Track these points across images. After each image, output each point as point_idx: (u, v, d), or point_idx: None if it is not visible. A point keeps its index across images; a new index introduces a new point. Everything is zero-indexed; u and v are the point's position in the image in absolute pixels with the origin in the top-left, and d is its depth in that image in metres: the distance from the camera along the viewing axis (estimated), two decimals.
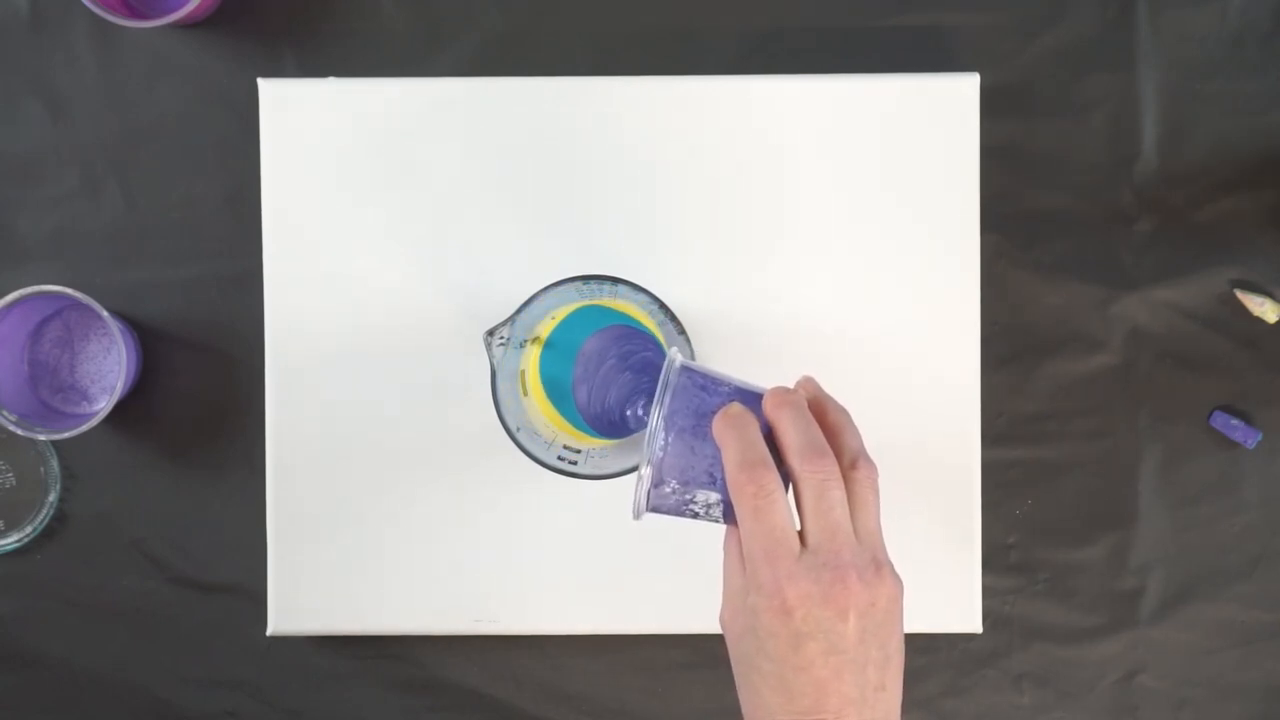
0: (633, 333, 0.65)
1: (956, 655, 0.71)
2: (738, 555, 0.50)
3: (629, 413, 0.62)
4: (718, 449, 0.50)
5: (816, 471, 0.49)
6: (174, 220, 0.70)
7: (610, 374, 0.63)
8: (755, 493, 0.48)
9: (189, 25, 0.69)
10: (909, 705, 0.71)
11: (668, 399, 0.51)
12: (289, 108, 0.68)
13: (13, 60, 0.70)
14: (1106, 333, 0.70)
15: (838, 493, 0.49)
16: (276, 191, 0.68)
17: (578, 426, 0.65)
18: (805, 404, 0.51)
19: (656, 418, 0.50)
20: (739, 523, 0.49)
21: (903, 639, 0.50)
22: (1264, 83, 0.70)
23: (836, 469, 0.49)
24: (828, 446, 0.50)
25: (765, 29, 0.70)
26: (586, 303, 0.65)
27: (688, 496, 0.51)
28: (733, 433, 0.50)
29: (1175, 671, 0.71)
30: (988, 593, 0.69)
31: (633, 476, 0.55)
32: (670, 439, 0.51)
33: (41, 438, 0.65)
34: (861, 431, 0.52)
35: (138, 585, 0.70)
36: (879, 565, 0.49)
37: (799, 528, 0.49)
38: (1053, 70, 0.70)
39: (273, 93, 0.68)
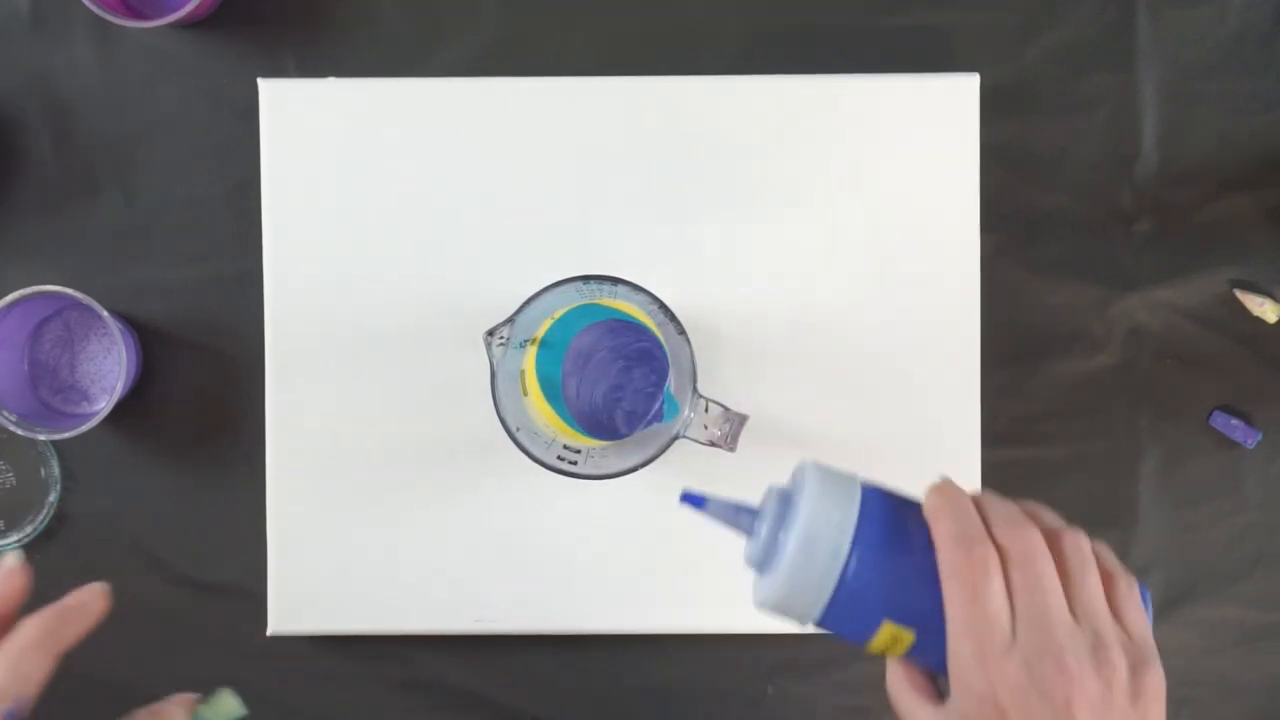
0: (625, 325, 0.65)
1: None
2: (911, 685, 0.45)
3: (618, 413, 0.63)
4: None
5: (1019, 541, 0.42)
6: (174, 220, 0.70)
7: (601, 366, 0.63)
8: (974, 573, 0.42)
9: (189, 25, 0.69)
10: None
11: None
12: (289, 108, 0.68)
13: (13, 60, 0.70)
14: (1106, 333, 0.70)
15: (1047, 567, 0.43)
16: (276, 191, 0.68)
17: (571, 425, 0.65)
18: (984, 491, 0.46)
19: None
20: (950, 616, 0.42)
21: None
22: (1264, 83, 0.70)
23: (1042, 540, 0.43)
24: (1029, 520, 0.44)
25: (766, 29, 0.70)
26: (585, 302, 0.65)
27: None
28: (947, 506, 0.43)
29: (1175, 671, 0.70)
30: None
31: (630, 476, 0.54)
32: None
33: (41, 438, 0.65)
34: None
35: (138, 585, 0.70)
36: (1106, 646, 0.42)
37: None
38: (1053, 70, 0.70)
39: (273, 93, 0.68)
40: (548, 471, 0.62)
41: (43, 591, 0.71)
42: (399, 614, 0.68)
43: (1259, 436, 0.70)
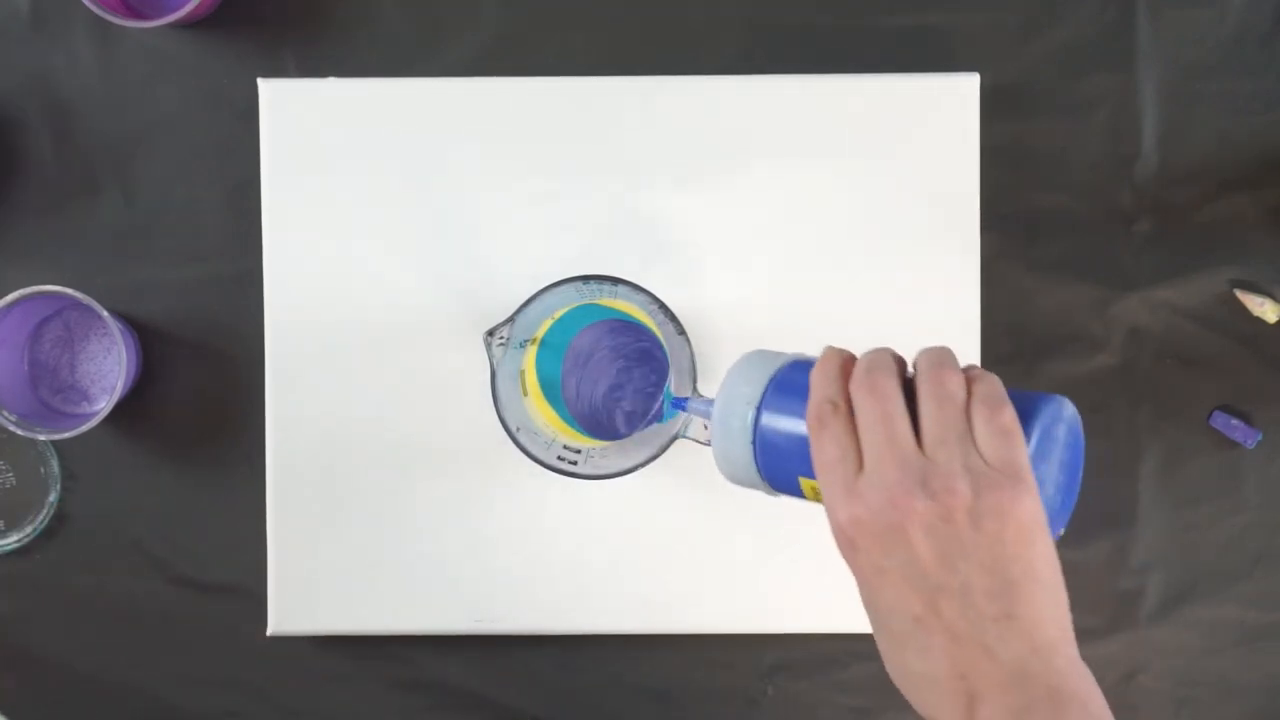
0: (625, 325, 0.65)
1: None
2: None
3: (618, 413, 0.63)
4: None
5: (863, 387, 0.44)
6: (174, 220, 0.70)
7: (601, 366, 0.63)
8: (817, 423, 0.45)
9: (189, 25, 0.69)
10: (907, 707, 0.71)
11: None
12: (289, 108, 0.68)
13: (13, 60, 0.70)
14: (1106, 333, 0.70)
15: (890, 406, 0.44)
16: (276, 191, 0.68)
17: (571, 425, 0.65)
18: (881, 350, 0.47)
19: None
20: (813, 464, 0.45)
21: (1044, 560, 0.42)
22: (1264, 83, 0.70)
23: (889, 383, 0.44)
24: (891, 365, 0.45)
25: (765, 28, 0.70)
26: (585, 302, 0.65)
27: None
28: (818, 372, 0.46)
29: (1175, 671, 0.71)
30: None
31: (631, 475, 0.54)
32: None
33: (41, 438, 0.65)
34: None
35: (138, 585, 0.70)
36: (946, 474, 0.42)
37: None
38: (1053, 70, 0.70)
39: (273, 93, 0.68)
40: (548, 471, 0.62)
41: (43, 592, 0.71)
42: (399, 614, 0.68)
43: (1259, 436, 0.70)
